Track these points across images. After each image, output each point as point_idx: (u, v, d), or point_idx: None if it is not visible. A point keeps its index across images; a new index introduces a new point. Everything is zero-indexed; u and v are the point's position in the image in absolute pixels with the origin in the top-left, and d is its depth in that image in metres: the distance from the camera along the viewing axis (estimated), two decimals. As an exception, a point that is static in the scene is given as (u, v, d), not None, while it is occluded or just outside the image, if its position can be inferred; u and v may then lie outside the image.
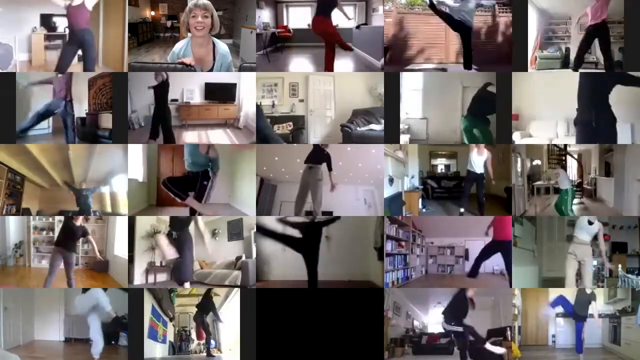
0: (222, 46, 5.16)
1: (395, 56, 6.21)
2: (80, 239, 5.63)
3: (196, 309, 5.50)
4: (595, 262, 5.50)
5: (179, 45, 5.09)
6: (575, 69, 5.40)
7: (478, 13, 6.38)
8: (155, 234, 5.76)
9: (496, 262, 5.82)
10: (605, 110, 4.90)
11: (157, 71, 5.36)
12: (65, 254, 5.33)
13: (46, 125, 5.62)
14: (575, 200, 5.80)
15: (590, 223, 5.16)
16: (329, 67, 5.79)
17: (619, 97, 5.21)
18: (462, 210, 5.64)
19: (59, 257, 5.31)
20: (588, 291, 5.34)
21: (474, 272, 5.59)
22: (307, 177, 5.67)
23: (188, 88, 7.12)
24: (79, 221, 5.38)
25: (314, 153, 5.61)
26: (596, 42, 5.51)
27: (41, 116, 5.35)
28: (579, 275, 5.38)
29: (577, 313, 5.36)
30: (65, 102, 5.39)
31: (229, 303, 5.38)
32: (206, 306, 5.48)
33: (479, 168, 5.63)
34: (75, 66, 5.51)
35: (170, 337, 5.56)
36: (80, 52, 5.37)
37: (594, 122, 4.91)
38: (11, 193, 5.67)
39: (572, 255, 5.19)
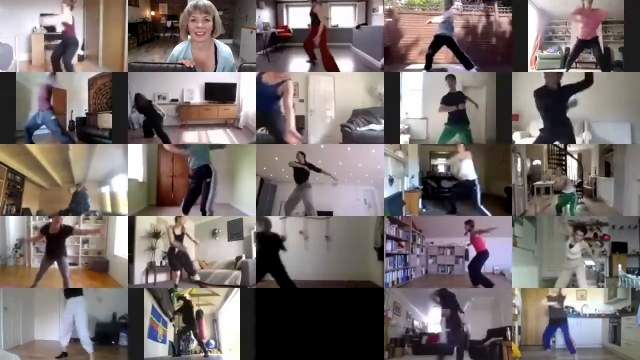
0: (225, 48, 4.99)
1: (395, 56, 6.21)
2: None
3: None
4: (593, 263, 5.51)
5: (179, 48, 4.93)
6: (567, 70, 5.50)
7: (479, 13, 6.41)
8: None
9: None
10: (564, 124, 5.17)
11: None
12: (56, 259, 5.36)
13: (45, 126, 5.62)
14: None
15: (570, 246, 5.30)
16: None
17: (618, 97, 5.24)
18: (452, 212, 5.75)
19: (50, 262, 5.35)
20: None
21: (476, 279, 5.70)
22: (297, 190, 5.82)
23: (188, 88, 7.11)
24: (58, 224, 5.35)
25: (297, 174, 5.76)
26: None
27: (30, 129, 5.38)
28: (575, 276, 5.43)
29: (554, 318, 5.41)
30: (48, 113, 5.42)
31: (229, 303, 5.38)
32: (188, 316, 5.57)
33: (470, 174, 5.75)
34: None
35: (170, 337, 5.56)
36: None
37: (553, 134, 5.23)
38: (11, 193, 5.67)
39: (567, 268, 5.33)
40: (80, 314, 5.24)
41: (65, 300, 5.29)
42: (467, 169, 5.78)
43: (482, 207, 5.62)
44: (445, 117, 5.66)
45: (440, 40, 5.76)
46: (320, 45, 6.26)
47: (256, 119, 5.16)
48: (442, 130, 5.67)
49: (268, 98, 4.95)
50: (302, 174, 5.84)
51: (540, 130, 5.30)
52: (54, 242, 5.34)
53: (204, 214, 5.50)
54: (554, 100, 5.16)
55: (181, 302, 5.54)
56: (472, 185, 5.75)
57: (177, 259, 5.75)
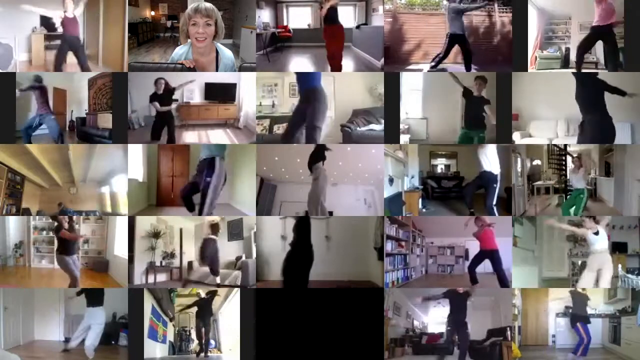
0: (227, 53, 4.87)
1: (395, 56, 6.22)
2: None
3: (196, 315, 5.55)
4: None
5: (179, 52, 4.84)
6: (579, 70, 5.39)
7: (478, 13, 6.41)
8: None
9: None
10: (599, 113, 5.04)
11: (157, 79, 5.47)
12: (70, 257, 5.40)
13: (46, 126, 5.63)
14: (575, 200, 5.82)
15: (596, 234, 5.10)
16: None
17: (619, 97, 5.24)
18: (472, 210, 5.63)
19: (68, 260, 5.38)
20: (581, 291, 5.38)
21: (473, 280, 5.69)
22: (317, 176, 5.57)
23: (188, 88, 7.11)
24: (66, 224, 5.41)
25: (316, 152, 5.59)
26: (598, 43, 5.56)
27: (29, 130, 5.39)
28: (575, 275, 5.42)
29: (578, 314, 5.39)
30: (49, 117, 5.46)
31: (229, 303, 5.38)
32: (205, 308, 5.52)
33: (494, 166, 5.53)
34: (72, 66, 5.63)
35: (170, 337, 5.56)
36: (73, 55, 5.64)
37: (590, 125, 5.09)
38: (11, 193, 5.67)
39: (589, 268, 5.18)
40: (98, 324, 5.27)
41: (86, 308, 5.30)
42: (493, 159, 5.52)
43: (494, 207, 5.46)
44: (461, 120, 5.65)
45: (453, 40, 5.71)
46: (340, 46, 5.98)
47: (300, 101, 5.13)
48: (459, 133, 5.66)
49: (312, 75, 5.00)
50: (317, 155, 5.58)
51: (580, 125, 5.22)
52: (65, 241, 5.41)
53: (200, 214, 5.06)
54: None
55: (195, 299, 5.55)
56: (493, 182, 5.52)
57: (211, 250, 5.69)
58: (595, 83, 5.08)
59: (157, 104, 5.79)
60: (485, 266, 5.85)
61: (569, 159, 5.81)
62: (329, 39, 5.85)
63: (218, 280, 5.63)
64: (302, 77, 5.18)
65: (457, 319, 5.29)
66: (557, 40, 5.81)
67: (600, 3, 5.30)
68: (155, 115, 5.87)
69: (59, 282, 5.40)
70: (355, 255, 5.60)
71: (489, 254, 5.52)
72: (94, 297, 5.30)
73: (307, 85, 5.08)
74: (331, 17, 5.85)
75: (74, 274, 5.36)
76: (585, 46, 5.44)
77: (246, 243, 5.84)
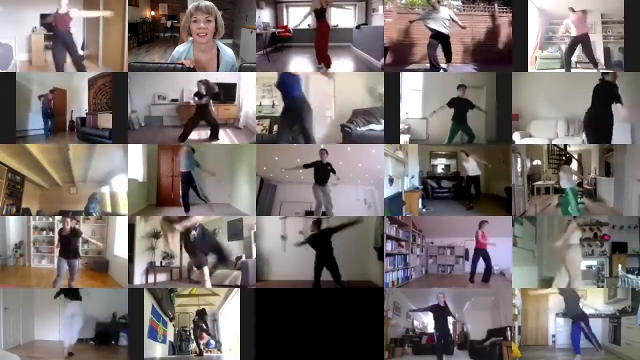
0: (228, 52, 4.95)
1: (395, 56, 6.21)
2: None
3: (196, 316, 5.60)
4: (595, 262, 5.52)
5: (180, 49, 4.90)
6: (568, 70, 5.57)
7: (478, 13, 6.40)
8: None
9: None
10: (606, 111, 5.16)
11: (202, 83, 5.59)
12: (69, 260, 5.46)
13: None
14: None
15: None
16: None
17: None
18: (471, 204, 5.96)
19: (64, 263, 5.44)
20: (577, 292, 5.42)
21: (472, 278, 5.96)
22: (317, 192, 5.76)
23: (188, 88, 7.09)
24: (68, 225, 5.46)
25: (319, 170, 5.71)
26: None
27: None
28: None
29: (572, 314, 5.41)
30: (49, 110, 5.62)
31: (229, 303, 5.39)
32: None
33: (473, 171, 6.02)
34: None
35: (170, 337, 5.57)
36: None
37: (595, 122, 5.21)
38: (11, 193, 5.67)
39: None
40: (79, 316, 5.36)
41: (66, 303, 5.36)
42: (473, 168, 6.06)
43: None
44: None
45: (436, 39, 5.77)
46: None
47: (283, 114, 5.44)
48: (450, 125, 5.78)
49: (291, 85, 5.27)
50: (325, 173, 5.81)
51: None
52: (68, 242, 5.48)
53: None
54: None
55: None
56: (476, 180, 6.08)
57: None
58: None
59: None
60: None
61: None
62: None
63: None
64: (283, 88, 5.49)
65: (440, 327, 5.48)
66: (557, 40, 5.81)
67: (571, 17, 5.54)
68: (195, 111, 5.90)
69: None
70: (355, 255, 5.60)
71: (480, 252, 5.89)
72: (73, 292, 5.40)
73: (289, 96, 5.46)
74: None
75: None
76: (569, 53, 5.65)
77: (246, 243, 5.84)
